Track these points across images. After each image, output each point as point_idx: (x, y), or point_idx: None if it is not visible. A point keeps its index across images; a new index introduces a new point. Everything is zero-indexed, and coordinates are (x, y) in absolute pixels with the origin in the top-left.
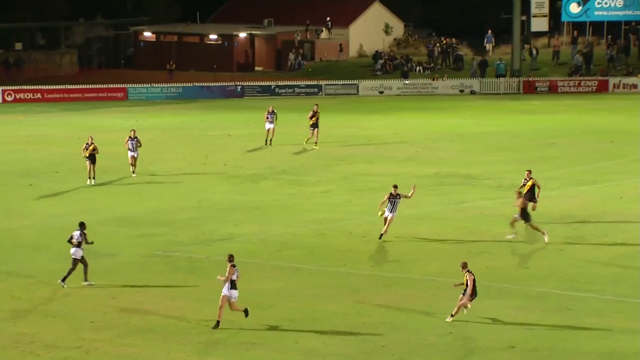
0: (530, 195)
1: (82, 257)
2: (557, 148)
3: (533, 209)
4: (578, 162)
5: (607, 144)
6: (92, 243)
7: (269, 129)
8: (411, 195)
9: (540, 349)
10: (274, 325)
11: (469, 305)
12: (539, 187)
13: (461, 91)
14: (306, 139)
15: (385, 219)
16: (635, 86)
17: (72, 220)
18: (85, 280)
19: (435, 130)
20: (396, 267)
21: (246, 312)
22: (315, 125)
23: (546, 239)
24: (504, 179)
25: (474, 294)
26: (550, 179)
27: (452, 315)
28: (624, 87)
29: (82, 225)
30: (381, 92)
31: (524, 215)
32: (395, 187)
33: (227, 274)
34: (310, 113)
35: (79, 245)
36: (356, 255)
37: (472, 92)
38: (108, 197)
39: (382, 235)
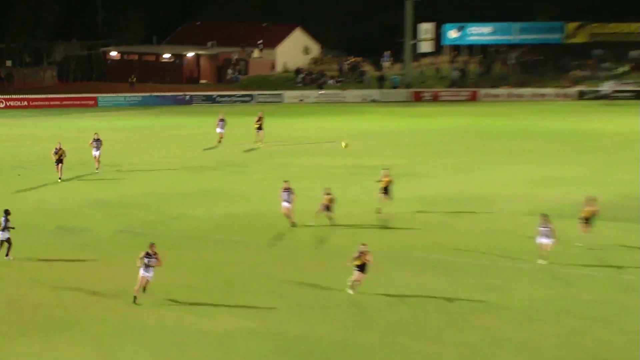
0: (386, 191)
1: (8, 238)
2: (442, 144)
3: (387, 200)
4: (458, 155)
5: (480, 140)
6: (13, 228)
7: (220, 133)
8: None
9: (429, 303)
10: (218, 287)
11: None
12: (392, 184)
13: (364, 100)
14: (254, 140)
15: (287, 210)
16: (497, 95)
17: (55, 204)
18: (7, 255)
19: (346, 130)
20: (317, 241)
21: (135, 299)
22: (260, 128)
23: (308, 223)
24: (400, 167)
25: (365, 271)
26: (436, 167)
27: (351, 288)
28: (491, 97)
29: (6, 212)
30: (301, 100)
31: (328, 208)
32: (287, 182)
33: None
34: (256, 118)
35: (4, 229)
36: (284, 230)
37: (373, 101)
38: (84, 184)
39: (294, 224)
